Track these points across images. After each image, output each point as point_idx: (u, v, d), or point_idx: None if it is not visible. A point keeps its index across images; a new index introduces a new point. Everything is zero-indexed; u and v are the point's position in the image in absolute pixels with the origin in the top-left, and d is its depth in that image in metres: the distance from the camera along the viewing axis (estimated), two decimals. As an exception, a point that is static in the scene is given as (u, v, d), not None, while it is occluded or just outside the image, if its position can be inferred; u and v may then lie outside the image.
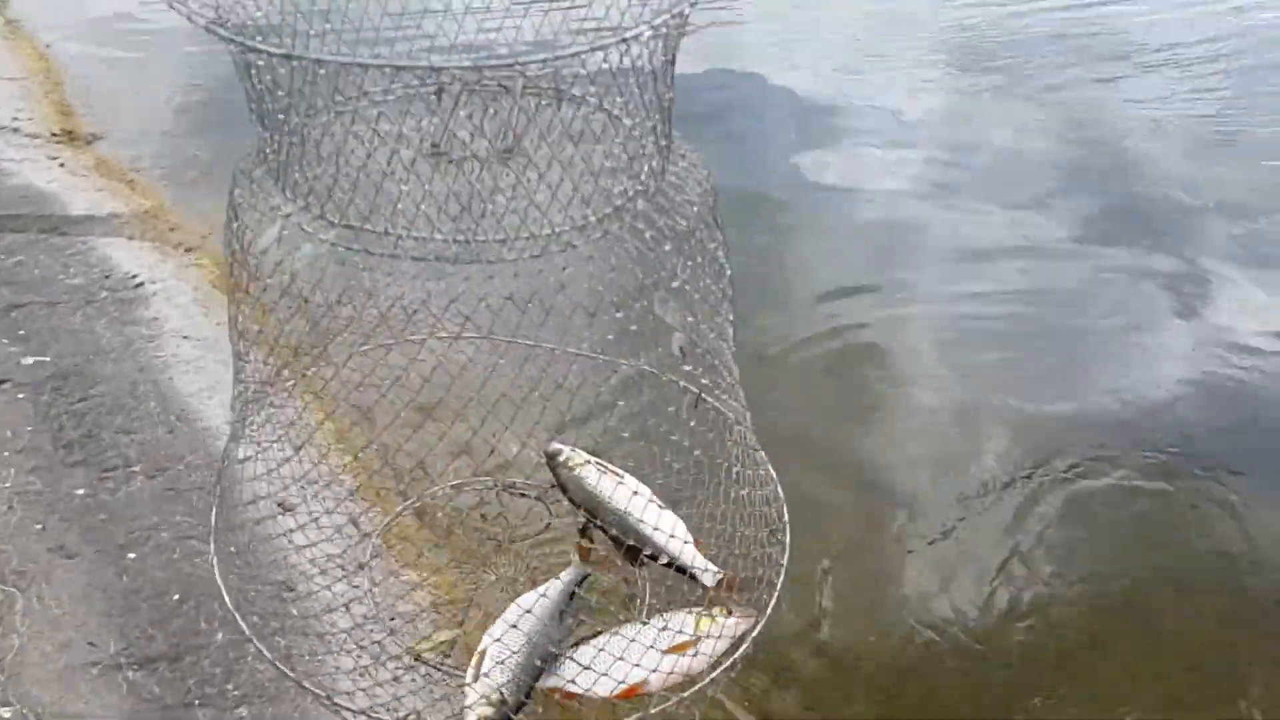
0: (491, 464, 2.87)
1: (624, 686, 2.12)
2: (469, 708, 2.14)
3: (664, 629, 2.17)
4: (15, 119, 6.25)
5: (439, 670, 2.41)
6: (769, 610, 2.23)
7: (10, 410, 3.80)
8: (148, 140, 6.29)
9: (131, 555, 3.25)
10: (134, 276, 4.66)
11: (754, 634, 2.20)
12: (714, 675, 2.16)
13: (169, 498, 3.47)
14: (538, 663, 2.15)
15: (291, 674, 2.13)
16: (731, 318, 2.30)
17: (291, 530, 2.56)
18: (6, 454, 3.59)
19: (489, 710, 2.11)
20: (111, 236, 4.98)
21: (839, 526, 3.88)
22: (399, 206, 1.84)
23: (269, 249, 1.93)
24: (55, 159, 5.81)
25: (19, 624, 2.99)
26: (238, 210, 1.99)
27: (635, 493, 2.33)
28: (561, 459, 2.42)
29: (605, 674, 2.12)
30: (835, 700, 3.38)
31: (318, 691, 2.10)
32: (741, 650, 2.19)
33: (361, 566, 2.61)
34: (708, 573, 2.30)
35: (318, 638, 2.42)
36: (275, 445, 2.45)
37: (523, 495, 2.73)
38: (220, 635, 2.95)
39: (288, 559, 2.93)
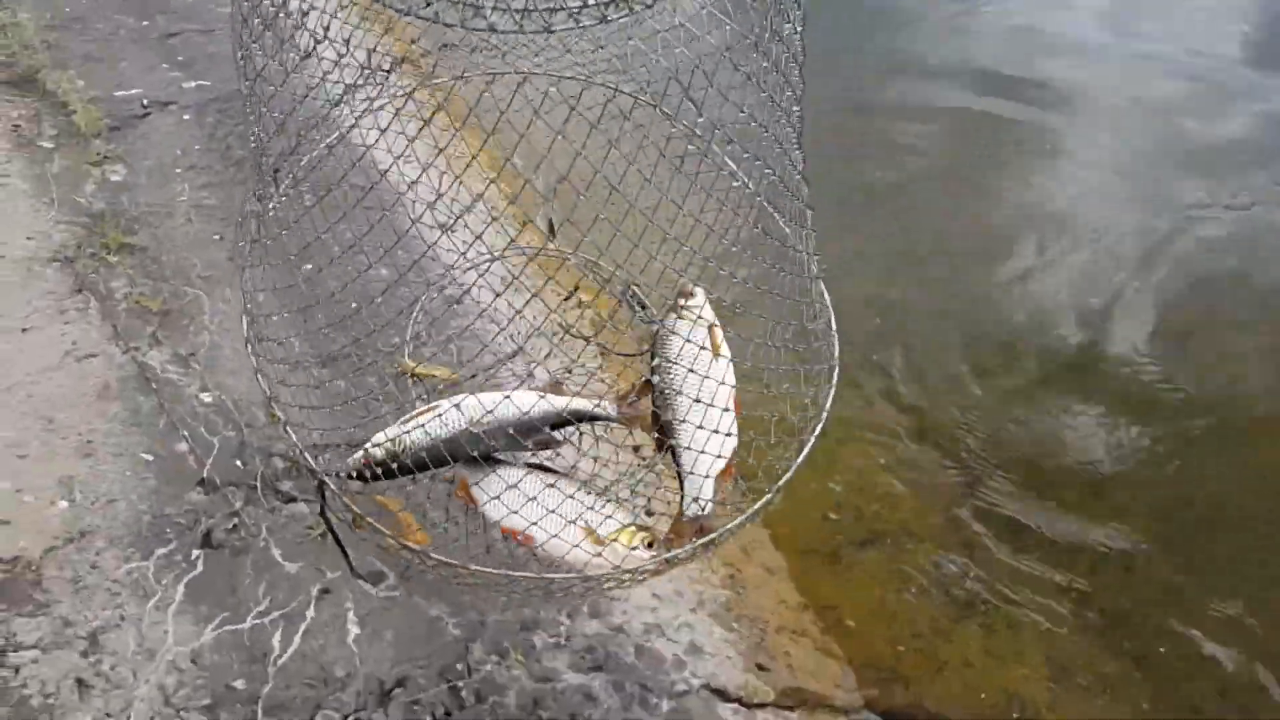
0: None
1: (506, 524, 2.00)
2: (369, 442, 2.08)
3: (588, 505, 1.98)
4: None
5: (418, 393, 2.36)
6: (740, 521, 1.97)
7: (178, 131, 3.86)
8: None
9: (307, 266, 3.33)
10: (283, 4, 4.61)
11: (640, 578, 1.98)
12: (573, 585, 1.94)
13: (337, 216, 3.52)
14: (464, 448, 2.00)
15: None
16: (798, 112, 1.92)
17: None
18: (179, 170, 3.67)
19: (377, 452, 2.04)
20: (257, -33, 4.91)
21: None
22: None
23: None
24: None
25: (208, 323, 3.14)
26: None
27: (705, 377, 2.00)
28: (692, 303, 2.11)
29: (487, 503, 1.99)
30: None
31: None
32: (618, 582, 1.97)
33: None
34: (694, 503, 2.02)
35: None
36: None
37: (638, 309, 2.43)
38: (396, 339, 3.04)
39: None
